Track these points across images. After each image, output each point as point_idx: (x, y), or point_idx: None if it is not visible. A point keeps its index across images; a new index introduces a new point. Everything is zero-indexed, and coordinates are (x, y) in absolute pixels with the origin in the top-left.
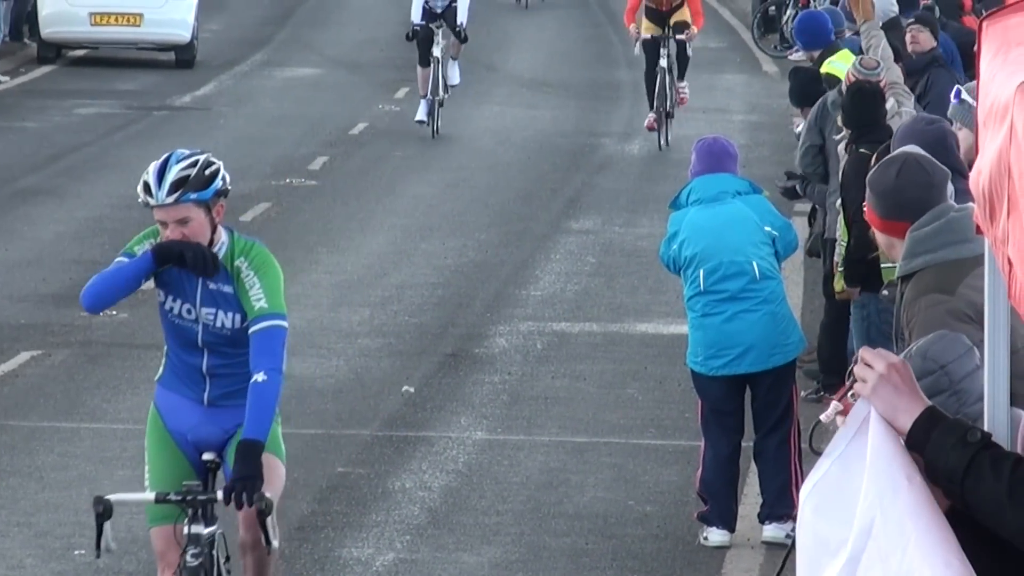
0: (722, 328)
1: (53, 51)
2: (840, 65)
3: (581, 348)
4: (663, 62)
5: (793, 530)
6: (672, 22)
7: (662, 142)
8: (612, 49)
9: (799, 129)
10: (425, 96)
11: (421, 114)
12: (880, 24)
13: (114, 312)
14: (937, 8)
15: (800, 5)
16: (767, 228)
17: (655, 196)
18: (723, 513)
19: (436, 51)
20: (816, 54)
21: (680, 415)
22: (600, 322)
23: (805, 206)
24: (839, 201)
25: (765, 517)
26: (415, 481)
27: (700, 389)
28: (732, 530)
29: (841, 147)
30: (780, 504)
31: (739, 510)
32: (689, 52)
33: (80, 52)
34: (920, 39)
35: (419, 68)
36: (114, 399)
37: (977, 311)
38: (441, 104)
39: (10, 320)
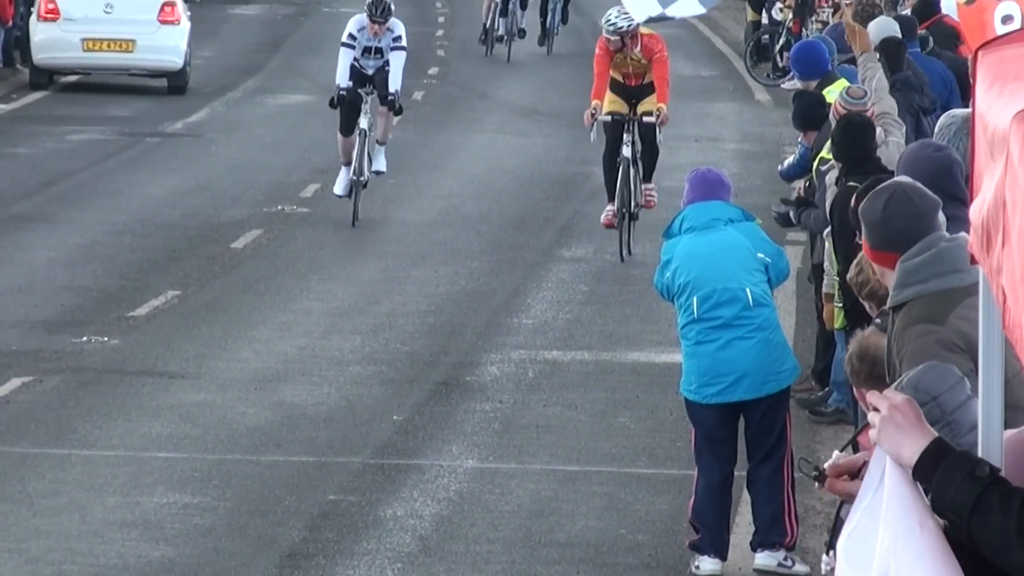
0: (716, 356)
1: (45, 77)
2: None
3: (573, 376)
4: (626, 151)
5: (786, 558)
6: (640, 110)
7: (624, 252)
8: None
9: (788, 163)
10: (347, 164)
11: (340, 187)
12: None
13: (105, 338)
14: (931, 39)
15: (792, 33)
16: (760, 255)
17: (647, 225)
18: (715, 542)
19: (363, 122)
20: (814, 84)
21: (672, 444)
22: (592, 350)
23: (799, 235)
24: (827, 231)
25: (757, 545)
26: (406, 509)
27: (694, 417)
28: (724, 559)
29: (830, 177)
30: (772, 532)
31: (731, 539)
32: (660, 139)
33: (72, 78)
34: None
35: (339, 136)
36: (105, 425)
37: (967, 341)
38: (364, 186)
39: (1, 346)
